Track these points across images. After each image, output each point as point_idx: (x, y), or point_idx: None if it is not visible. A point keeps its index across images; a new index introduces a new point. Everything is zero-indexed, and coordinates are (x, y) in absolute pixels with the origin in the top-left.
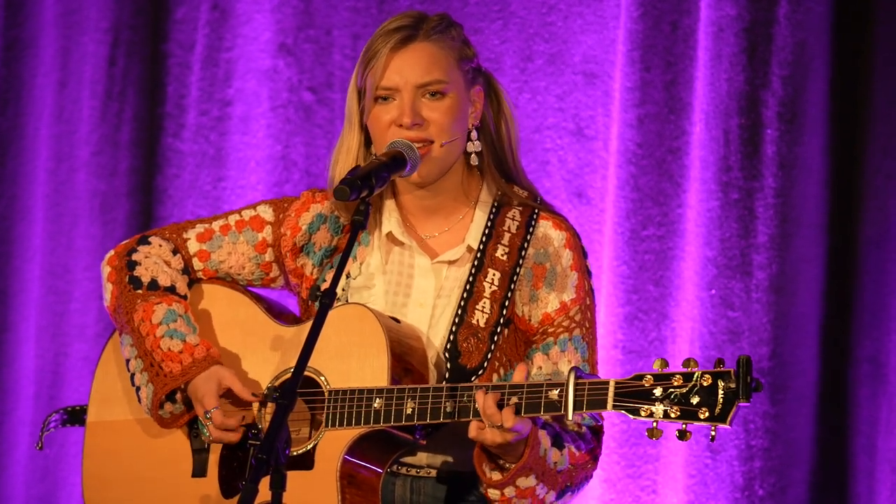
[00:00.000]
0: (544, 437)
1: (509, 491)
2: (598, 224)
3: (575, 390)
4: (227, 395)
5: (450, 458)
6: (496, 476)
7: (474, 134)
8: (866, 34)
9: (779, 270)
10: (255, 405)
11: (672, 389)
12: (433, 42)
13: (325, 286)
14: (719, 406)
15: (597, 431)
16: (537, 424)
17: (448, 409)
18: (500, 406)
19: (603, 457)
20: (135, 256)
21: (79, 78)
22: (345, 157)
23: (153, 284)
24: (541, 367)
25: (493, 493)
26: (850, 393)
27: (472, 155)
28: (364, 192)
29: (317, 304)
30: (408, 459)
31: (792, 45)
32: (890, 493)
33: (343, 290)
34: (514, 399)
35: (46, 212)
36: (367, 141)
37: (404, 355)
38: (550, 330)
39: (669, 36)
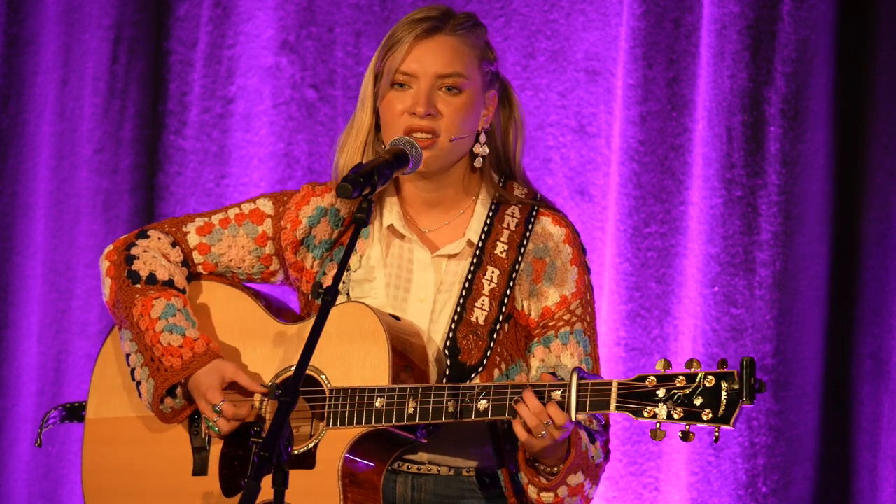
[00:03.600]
0: (583, 433)
1: (562, 491)
2: (600, 221)
3: (578, 391)
4: (231, 388)
5: (451, 456)
6: (543, 480)
7: (483, 137)
8: (869, 31)
9: (782, 267)
10: (258, 398)
11: (675, 390)
12: (459, 37)
13: (324, 280)
14: (723, 407)
15: (605, 427)
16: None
17: (450, 409)
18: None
19: None
20: (133, 251)
21: (80, 75)
22: (354, 139)
23: (151, 279)
24: (542, 360)
25: (546, 497)
26: (852, 390)
27: (479, 158)
28: (366, 190)
29: (319, 300)
30: (409, 457)
31: (795, 43)
32: (893, 490)
33: (344, 282)
34: (557, 395)
35: (48, 209)
36: (378, 125)
37: (405, 353)
38: (551, 323)
39: (672, 33)
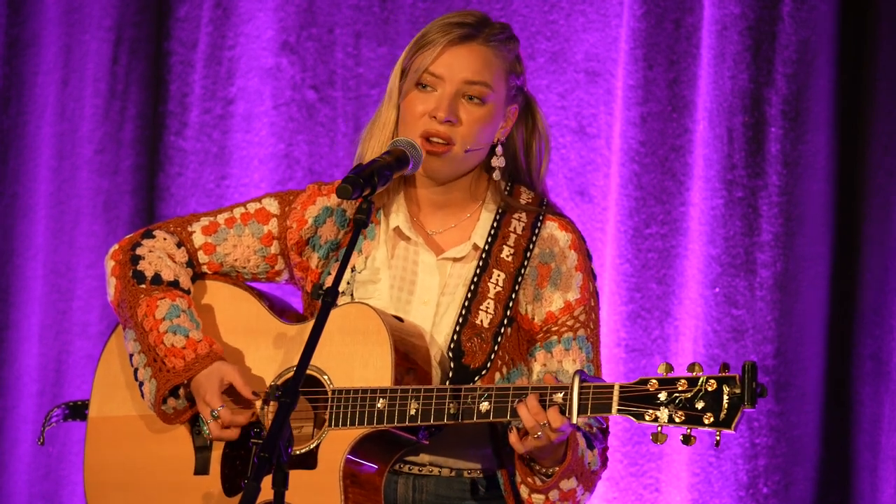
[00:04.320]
0: (580, 438)
1: (554, 494)
2: (600, 222)
3: (580, 394)
4: (230, 391)
5: (452, 457)
6: (538, 481)
7: (500, 149)
8: (869, 32)
9: (783, 268)
10: (259, 402)
11: (677, 394)
12: (491, 48)
13: (329, 279)
14: (724, 411)
15: (604, 432)
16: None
17: (452, 411)
18: (543, 406)
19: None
20: (138, 251)
21: (81, 76)
22: (379, 132)
23: (156, 279)
24: (544, 365)
25: (536, 498)
26: (852, 390)
27: (497, 170)
28: (367, 191)
29: (320, 301)
30: (410, 458)
31: (796, 43)
32: (893, 491)
33: (348, 283)
34: (559, 398)
35: (49, 210)
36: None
37: (408, 354)
38: (554, 329)
39: (672, 34)
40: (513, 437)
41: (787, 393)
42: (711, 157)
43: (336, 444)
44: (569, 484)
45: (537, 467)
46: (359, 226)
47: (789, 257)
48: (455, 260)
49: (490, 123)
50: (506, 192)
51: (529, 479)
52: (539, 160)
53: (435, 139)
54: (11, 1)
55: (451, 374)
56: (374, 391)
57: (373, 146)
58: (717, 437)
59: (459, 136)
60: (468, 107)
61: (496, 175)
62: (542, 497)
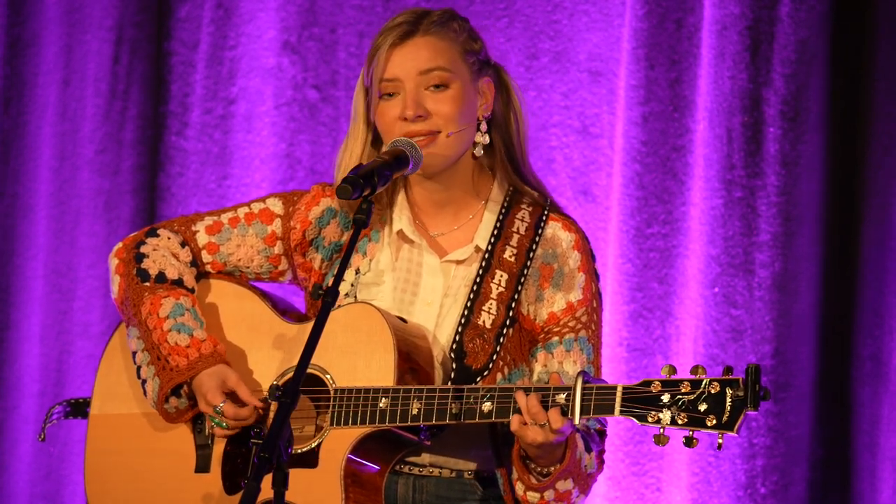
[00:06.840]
0: (579, 440)
1: (549, 494)
2: (602, 222)
3: (582, 395)
4: (231, 396)
5: (453, 458)
6: (534, 479)
7: (483, 126)
8: (868, 32)
9: (781, 268)
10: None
11: (680, 396)
12: (434, 35)
13: (332, 281)
14: (727, 414)
15: (602, 435)
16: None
17: (454, 411)
18: (545, 406)
19: (608, 454)
20: (143, 249)
21: (82, 76)
22: (349, 155)
23: (161, 277)
24: (545, 366)
25: (532, 496)
26: (851, 391)
27: (478, 147)
28: (366, 191)
29: (319, 301)
30: (411, 458)
31: (794, 43)
32: (892, 492)
33: (352, 285)
34: (562, 398)
35: (49, 210)
36: (375, 139)
37: (411, 354)
38: (556, 329)
39: (674, 34)
40: (515, 422)
41: (785, 393)
42: (711, 156)
43: (337, 443)
44: (565, 485)
45: (534, 466)
46: (359, 226)
47: (788, 257)
48: (458, 262)
49: (464, 102)
50: (515, 177)
51: (525, 477)
52: (518, 132)
53: (417, 138)
54: (12, 1)
55: (453, 375)
56: (376, 391)
57: (345, 170)
58: (720, 440)
59: (440, 124)
60: (434, 96)
61: (478, 151)
62: (537, 495)
